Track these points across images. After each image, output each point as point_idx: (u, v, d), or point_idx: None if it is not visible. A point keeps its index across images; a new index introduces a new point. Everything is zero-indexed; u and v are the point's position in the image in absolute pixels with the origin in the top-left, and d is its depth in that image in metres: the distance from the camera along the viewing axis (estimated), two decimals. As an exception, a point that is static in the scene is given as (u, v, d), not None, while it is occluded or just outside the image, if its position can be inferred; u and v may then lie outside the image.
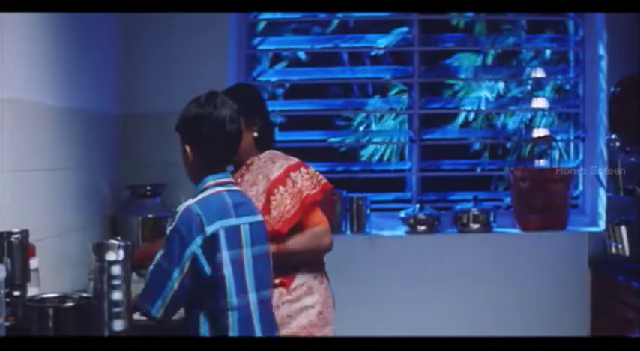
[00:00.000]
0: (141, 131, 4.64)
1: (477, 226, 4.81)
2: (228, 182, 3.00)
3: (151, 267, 2.87)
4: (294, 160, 3.56)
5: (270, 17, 5.07)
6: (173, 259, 2.82)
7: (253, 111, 3.50)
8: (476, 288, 4.75)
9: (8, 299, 2.71)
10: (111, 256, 2.89)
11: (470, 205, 4.85)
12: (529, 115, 5.41)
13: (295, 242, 3.42)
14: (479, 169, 5.37)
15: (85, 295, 2.91)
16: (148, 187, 4.40)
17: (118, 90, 4.55)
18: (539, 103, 5.26)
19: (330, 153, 5.20)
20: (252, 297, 2.92)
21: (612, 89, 4.75)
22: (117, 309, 2.86)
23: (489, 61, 5.40)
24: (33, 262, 2.95)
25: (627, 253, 4.47)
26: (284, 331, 3.36)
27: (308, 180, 3.49)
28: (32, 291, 2.92)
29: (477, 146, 5.43)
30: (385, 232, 4.89)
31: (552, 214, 4.83)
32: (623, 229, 4.50)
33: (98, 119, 4.21)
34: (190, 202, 2.88)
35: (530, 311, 4.73)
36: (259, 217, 3.06)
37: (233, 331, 2.84)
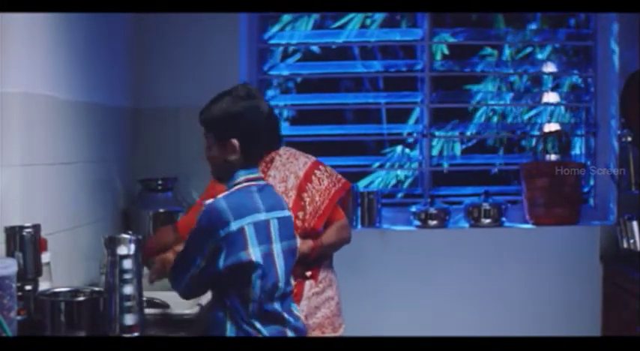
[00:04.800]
0: (153, 125, 4.65)
1: (488, 220, 4.81)
2: (258, 177, 3.01)
3: (182, 249, 2.98)
4: (312, 158, 3.73)
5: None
6: (194, 250, 2.88)
7: None
8: (487, 282, 4.75)
9: (20, 293, 2.73)
10: (122, 250, 2.89)
11: (481, 199, 4.85)
12: (540, 110, 5.38)
13: (327, 237, 3.62)
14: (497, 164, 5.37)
15: (96, 289, 2.92)
16: (160, 181, 4.41)
17: (131, 84, 4.56)
18: (551, 97, 5.24)
19: (342, 147, 5.19)
20: (280, 289, 2.95)
21: (624, 84, 4.74)
22: (128, 303, 2.87)
23: (506, 57, 5.38)
24: (45, 257, 2.96)
25: (639, 247, 4.47)
26: (311, 321, 3.57)
27: (328, 177, 3.69)
28: (44, 285, 2.93)
29: (490, 141, 5.41)
30: (396, 227, 4.89)
31: (564, 209, 4.82)
32: (634, 224, 4.50)
33: (110, 113, 4.22)
34: (219, 196, 2.89)
35: (542, 305, 4.73)
36: (287, 212, 3.07)
37: (259, 323, 2.87)
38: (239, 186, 2.92)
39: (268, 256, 2.89)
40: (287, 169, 3.62)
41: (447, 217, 4.84)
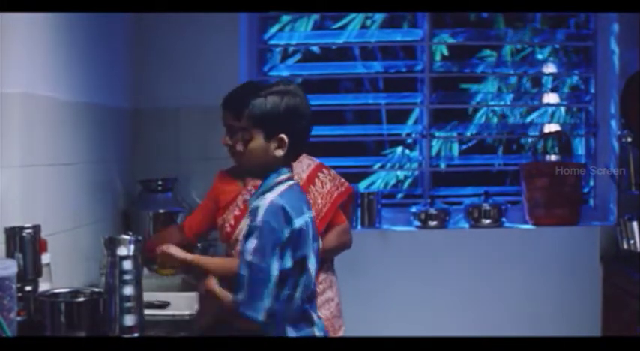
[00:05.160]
0: (153, 126, 4.65)
1: (488, 221, 4.81)
2: (292, 176, 2.91)
3: (244, 270, 2.69)
4: (316, 160, 3.71)
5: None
6: (267, 255, 2.68)
7: None
8: (487, 283, 4.75)
9: (20, 294, 2.73)
10: (122, 251, 2.89)
11: (481, 200, 4.85)
12: (542, 111, 5.39)
13: (328, 241, 3.60)
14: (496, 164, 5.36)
15: (96, 289, 2.92)
16: (160, 182, 4.40)
17: (130, 84, 4.56)
18: (551, 98, 5.24)
19: (342, 148, 5.19)
20: (312, 290, 2.87)
21: (624, 84, 4.74)
22: (128, 304, 2.87)
23: (507, 57, 5.38)
24: (45, 257, 2.97)
25: (639, 248, 4.47)
26: None
27: (331, 181, 3.66)
28: (44, 286, 2.94)
29: (489, 141, 5.42)
30: (396, 227, 4.88)
31: (564, 210, 4.82)
32: (634, 224, 4.50)
33: (110, 114, 4.22)
34: (270, 196, 2.75)
35: (542, 306, 4.73)
36: (313, 211, 2.98)
37: (292, 326, 2.77)
38: (287, 184, 2.82)
39: (307, 257, 2.81)
40: None
41: (447, 217, 4.84)
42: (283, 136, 2.79)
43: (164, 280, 4.01)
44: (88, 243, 3.80)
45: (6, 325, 2.42)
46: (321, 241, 3.17)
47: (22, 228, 2.88)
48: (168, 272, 4.09)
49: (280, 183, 2.81)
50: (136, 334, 2.86)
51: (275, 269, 2.67)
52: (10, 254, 2.84)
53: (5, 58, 2.98)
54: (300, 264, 2.75)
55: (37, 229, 2.91)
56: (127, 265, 2.89)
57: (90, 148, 3.87)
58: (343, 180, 3.74)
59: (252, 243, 2.69)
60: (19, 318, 2.60)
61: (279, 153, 2.80)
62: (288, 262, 2.70)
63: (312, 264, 2.83)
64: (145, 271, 4.08)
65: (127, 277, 2.89)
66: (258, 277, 2.67)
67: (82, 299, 2.77)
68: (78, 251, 3.68)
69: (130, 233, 2.99)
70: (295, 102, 2.82)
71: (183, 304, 3.52)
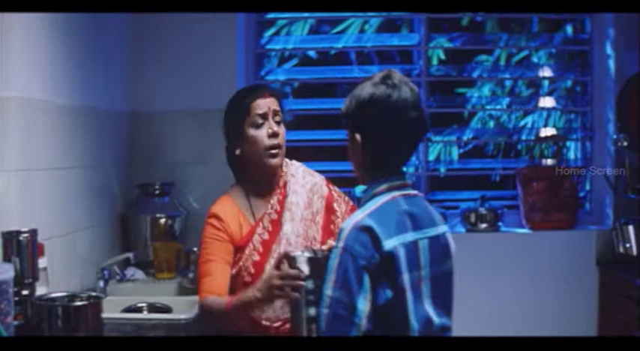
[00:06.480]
0: (150, 130, 4.65)
1: (484, 225, 4.81)
2: (403, 185, 2.47)
3: (323, 307, 2.29)
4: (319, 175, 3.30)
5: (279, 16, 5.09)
6: (352, 287, 2.26)
7: None
8: (483, 287, 4.74)
9: (17, 298, 2.73)
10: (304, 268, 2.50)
11: (477, 204, 4.85)
12: (540, 115, 5.39)
13: None
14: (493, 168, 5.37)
15: (93, 293, 2.91)
16: (157, 186, 4.41)
17: (127, 88, 4.56)
18: (547, 102, 5.25)
19: (339, 152, 5.18)
20: (435, 324, 2.50)
21: (620, 88, 4.75)
22: (311, 297, 2.45)
23: (501, 61, 5.38)
24: (42, 262, 2.97)
25: (635, 252, 4.47)
26: None
27: (343, 199, 3.28)
28: (41, 290, 2.94)
29: (486, 146, 5.42)
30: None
31: (560, 214, 4.82)
32: (630, 228, 4.49)
33: (107, 118, 4.22)
34: (359, 215, 2.35)
35: (538, 310, 4.73)
36: (442, 228, 2.58)
37: None
38: (381, 199, 2.40)
39: (416, 286, 2.39)
40: (310, 190, 3.12)
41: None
42: (357, 135, 2.39)
43: (162, 284, 4.02)
44: (85, 247, 3.80)
45: (3, 329, 2.42)
46: (452, 261, 2.75)
47: (19, 232, 2.88)
48: (165, 276, 4.10)
49: (376, 195, 2.41)
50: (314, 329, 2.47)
51: (362, 303, 2.26)
52: (6, 258, 2.84)
53: (3, 61, 2.99)
54: (397, 296, 2.34)
55: (34, 233, 2.91)
56: (310, 284, 2.48)
57: (87, 152, 3.87)
58: (347, 198, 3.30)
59: (331, 273, 2.29)
60: (16, 322, 2.61)
61: (357, 157, 2.43)
62: (387, 292, 2.31)
63: (427, 296, 2.46)
64: (142, 275, 4.09)
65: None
66: (340, 315, 2.27)
67: (79, 303, 2.77)
68: (75, 255, 3.68)
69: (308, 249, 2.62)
70: (372, 92, 2.40)
71: (180, 308, 3.52)
